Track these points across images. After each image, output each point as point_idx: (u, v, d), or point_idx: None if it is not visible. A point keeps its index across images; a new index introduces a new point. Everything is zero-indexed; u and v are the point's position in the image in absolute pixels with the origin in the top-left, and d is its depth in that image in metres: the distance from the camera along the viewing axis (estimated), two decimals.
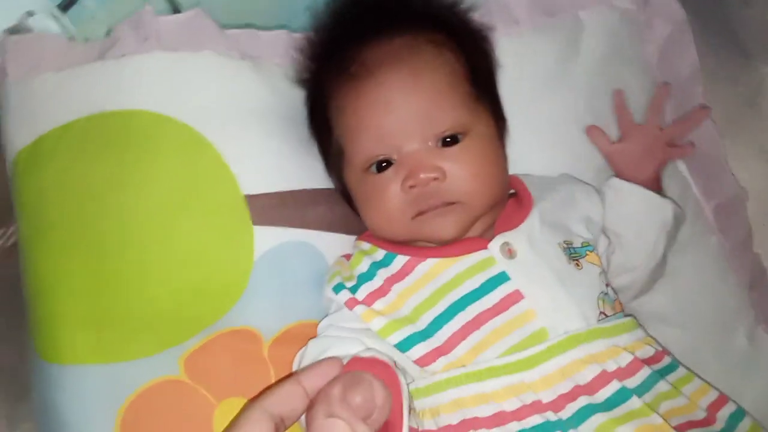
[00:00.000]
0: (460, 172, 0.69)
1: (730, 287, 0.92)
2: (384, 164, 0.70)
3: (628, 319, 0.72)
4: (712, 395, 0.70)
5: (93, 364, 0.66)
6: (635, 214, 0.79)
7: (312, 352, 0.69)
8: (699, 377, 0.72)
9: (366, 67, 0.71)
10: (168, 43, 0.76)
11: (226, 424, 0.66)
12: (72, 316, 0.68)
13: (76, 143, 0.72)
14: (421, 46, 0.72)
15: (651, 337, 0.74)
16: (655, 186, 0.83)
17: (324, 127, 0.76)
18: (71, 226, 0.70)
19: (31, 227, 0.72)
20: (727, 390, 0.75)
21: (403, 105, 0.69)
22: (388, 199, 0.70)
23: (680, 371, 0.70)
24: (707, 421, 0.67)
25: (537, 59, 0.91)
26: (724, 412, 0.69)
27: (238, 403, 0.67)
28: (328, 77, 0.75)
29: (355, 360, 0.62)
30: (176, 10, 0.94)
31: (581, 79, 0.91)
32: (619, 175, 0.83)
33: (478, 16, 0.89)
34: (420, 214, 0.69)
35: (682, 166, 0.98)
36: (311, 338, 0.71)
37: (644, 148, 0.84)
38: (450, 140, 0.70)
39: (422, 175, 0.68)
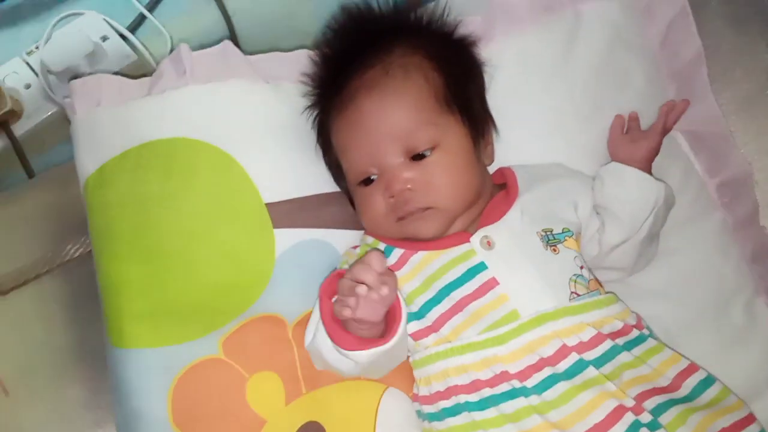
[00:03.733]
0: (429, 183, 0.79)
1: (730, 261, 0.95)
2: (370, 178, 0.82)
3: (602, 296, 0.80)
4: (682, 364, 0.77)
5: (150, 348, 0.82)
6: (630, 194, 0.85)
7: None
8: (669, 348, 0.79)
9: (350, 94, 0.82)
10: (200, 76, 0.90)
11: (256, 393, 0.82)
12: (132, 309, 0.83)
13: (130, 168, 0.87)
14: (391, 72, 0.81)
15: (632, 312, 0.82)
16: (646, 167, 0.89)
17: (327, 144, 0.88)
18: (129, 235, 0.86)
19: (99, 238, 0.88)
20: (718, 362, 0.81)
21: (375, 128, 0.80)
22: (375, 208, 0.82)
23: (649, 343, 0.78)
24: (671, 388, 0.75)
25: (537, 55, 0.97)
26: (692, 380, 0.76)
27: (267, 376, 0.82)
28: (326, 101, 0.87)
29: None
30: (226, 14, 1.10)
31: (581, 70, 0.97)
32: (612, 156, 0.90)
33: (481, 20, 0.97)
34: (401, 218, 0.81)
35: (685, 145, 1.01)
36: None
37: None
38: (420, 155, 0.80)
39: (396, 187, 0.79)
